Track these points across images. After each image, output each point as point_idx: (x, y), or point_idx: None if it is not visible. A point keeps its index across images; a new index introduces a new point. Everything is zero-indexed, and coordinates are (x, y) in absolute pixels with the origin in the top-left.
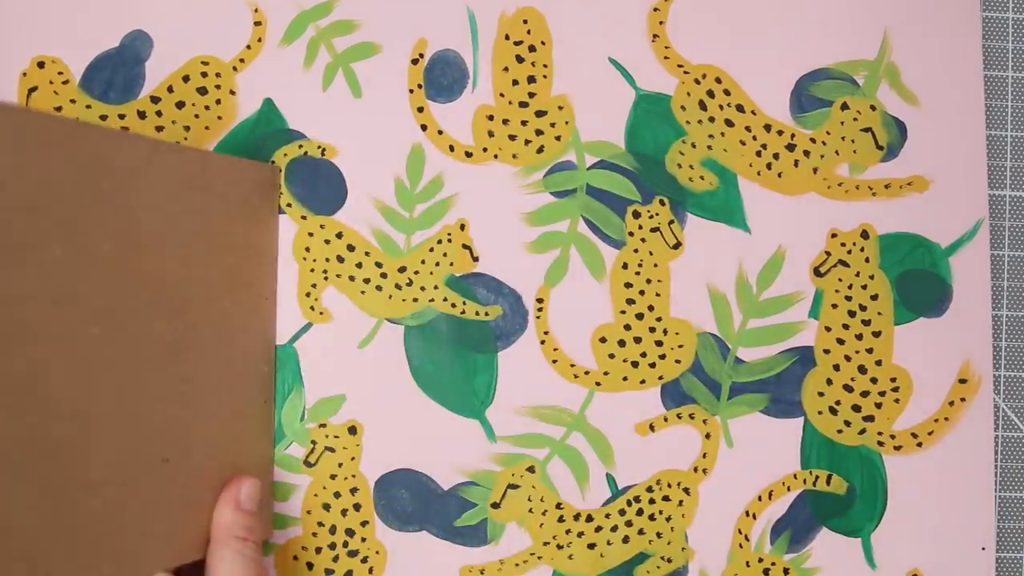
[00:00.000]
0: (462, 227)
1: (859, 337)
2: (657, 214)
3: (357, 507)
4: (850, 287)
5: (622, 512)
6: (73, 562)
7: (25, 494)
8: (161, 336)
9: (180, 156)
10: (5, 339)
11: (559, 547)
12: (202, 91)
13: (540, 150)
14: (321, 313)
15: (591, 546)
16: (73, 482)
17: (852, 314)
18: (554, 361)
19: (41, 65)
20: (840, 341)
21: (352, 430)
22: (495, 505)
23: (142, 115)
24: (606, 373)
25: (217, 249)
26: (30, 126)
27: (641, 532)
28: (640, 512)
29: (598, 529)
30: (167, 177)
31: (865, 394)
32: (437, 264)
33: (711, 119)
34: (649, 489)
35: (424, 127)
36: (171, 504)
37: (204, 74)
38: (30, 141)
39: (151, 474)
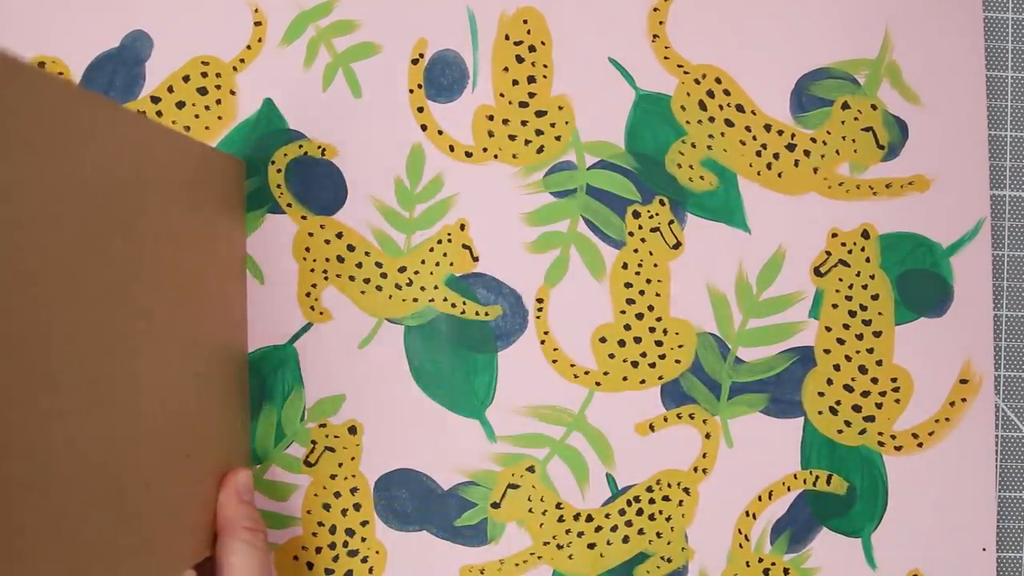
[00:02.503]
0: (462, 227)
1: (859, 337)
2: (657, 214)
3: (357, 507)
4: (851, 287)
5: (622, 512)
6: (136, 557)
7: (99, 489)
8: (183, 331)
9: (189, 148)
10: (86, 339)
11: (559, 547)
12: (202, 91)
13: (540, 150)
14: (321, 313)
15: (591, 546)
16: (133, 478)
17: (853, 314)
18: (554, 361)
19: (41, 65)
20: (840, 341)
21: (352, 430)
22: (495, 505)
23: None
24: (606, 373)
25: (212, 243)
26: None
27: (641, 532)
28: (640, 512)
29: (598, 529)
30: (183, 170)
31: (866, 394)
32: (437, 264)
33: (711, 119)
34: (649, 489)
35: (424, 127)
36: (193, 499)
37: (204, 74)
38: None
39: (179, 470)
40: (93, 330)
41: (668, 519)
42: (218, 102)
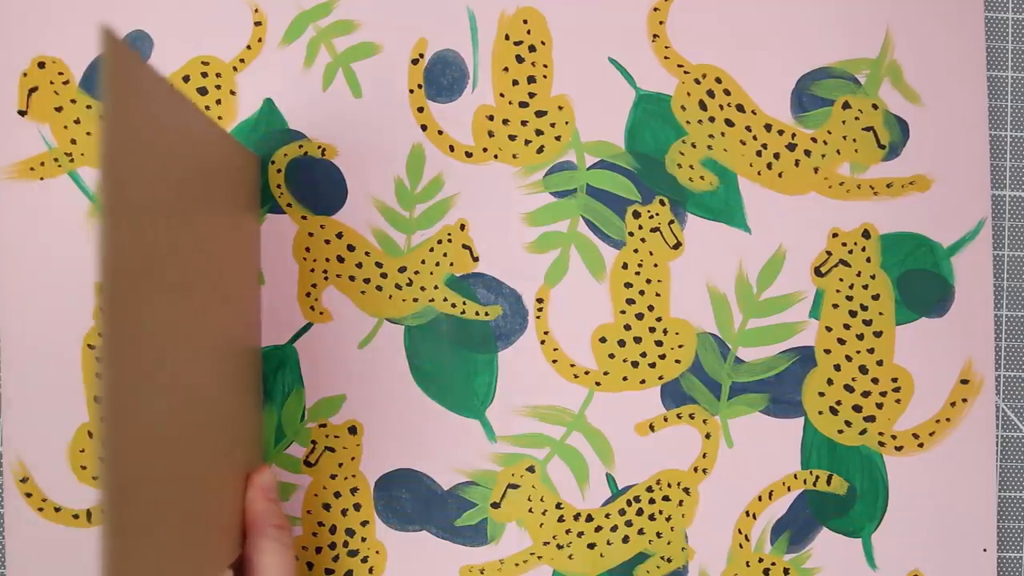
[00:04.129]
0: (462, 227)
1: (860, 337)
2: (657, 214)
3: (357, 507)
4: (851, 287)
5: (622, 512)
6: (191, 557)
7: (171, 487)
8: (225, 329)
9: (229, 144)
10: (167, 336)
11: (559, 547)
12: (202, 91)
13: (540, 150)
14: (321, 313)
15: (591, 546)
16: (191, 476)
17: (853, 314)
18: (554, 361)
19: (41, 65)
20: (841, 341)
21: (352, 430)
22: (495, 505)
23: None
24: (606, 373)
25: (239, 240)
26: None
27: (641, 532)
28: (640, 512)
29: (598, 529)
30: (227, 166)
31: (866, 394)
32: (437, 264)
33: (711, 119)
34: (649, 489)
35: (424, 127)
36: (227, 498)
37: (204, 74)
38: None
39: (221, 468)
40: (170, 327)
41: (668, 519)
42: (218, 102)
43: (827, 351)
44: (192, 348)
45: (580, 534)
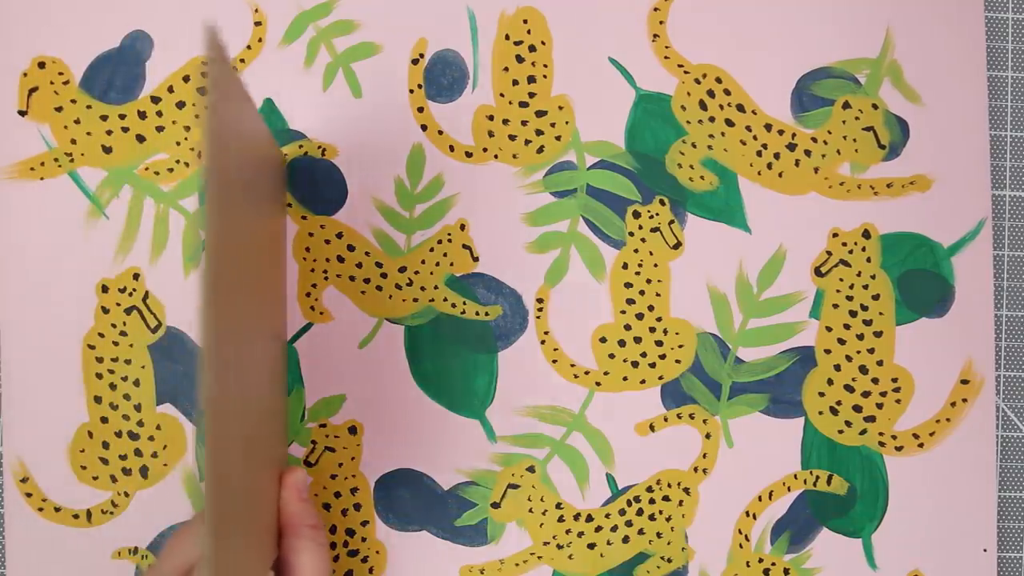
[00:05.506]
0: (462, 227)
1: (860, 337)
2: (657, 214)
3: (357, 507)
4: (851, 287)
5: (622, 512)
6: (245, 559)
7: (234, 487)
8: (269, 325)
9: (271, 140)
10: (241, 331)
11: (559, 547)
12: (202, 91)
13: (540, 150)
14: (321, 313)
15: (591, 546)
16: (246, 475)
17: (853, 314)
18: (554, 361)
19: (41, 65)
20: (841, 341)
21: (352, 430)
22: (495, 505)
23: (142, 115)
24: (606, 373)
25: (278, 234)
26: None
27: (641, 532)
28: (640, 512)
29: (598, 529)
30: (272, 161)
31: (866, 394)
32: (437, 264)
33: (711, 119)
34: (649, 489)
35: (424, 127)
36: (267, 498)
37: (204, 74)
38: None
39: (267, 467)
40: (243, 323)
41: (668, 519)
42: None
43: (827, 351)
44: (253, 344)
45: (580, 534)
